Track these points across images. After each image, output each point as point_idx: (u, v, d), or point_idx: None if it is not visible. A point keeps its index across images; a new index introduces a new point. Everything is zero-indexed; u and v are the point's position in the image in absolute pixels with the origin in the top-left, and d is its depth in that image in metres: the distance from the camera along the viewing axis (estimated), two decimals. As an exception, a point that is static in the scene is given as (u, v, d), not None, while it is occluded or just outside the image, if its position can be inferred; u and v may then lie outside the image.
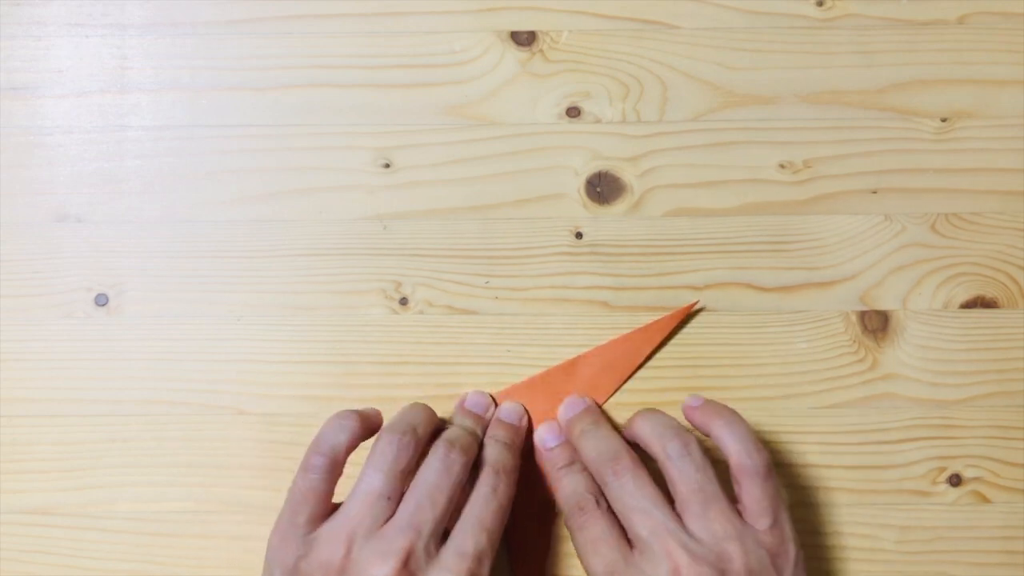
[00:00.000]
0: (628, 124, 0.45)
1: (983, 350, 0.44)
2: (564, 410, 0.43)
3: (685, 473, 0.38)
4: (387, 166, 0.45)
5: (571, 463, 0.41)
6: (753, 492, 0.38)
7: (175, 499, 0.43)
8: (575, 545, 0.39)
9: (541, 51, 0.46)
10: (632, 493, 0.38)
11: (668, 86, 0.45)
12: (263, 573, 0.38)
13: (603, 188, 0.45)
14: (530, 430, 0.43)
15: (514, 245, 0.45)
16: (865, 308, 0.44)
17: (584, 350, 0.44)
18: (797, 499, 0.43)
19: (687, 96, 0.45)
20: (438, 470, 0.38)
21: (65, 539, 0.43)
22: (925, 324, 0.44)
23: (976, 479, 0.44)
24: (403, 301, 0.44)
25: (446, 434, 0.40)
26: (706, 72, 0.45)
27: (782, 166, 0.45)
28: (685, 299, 0.44)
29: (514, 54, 0.46)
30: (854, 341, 0.44)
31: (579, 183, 0.45)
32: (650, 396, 0.44)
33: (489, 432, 0.42)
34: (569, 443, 0.42)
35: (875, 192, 0.45)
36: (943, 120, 0.45)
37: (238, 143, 0.45)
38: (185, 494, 0.43)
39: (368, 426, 0.40)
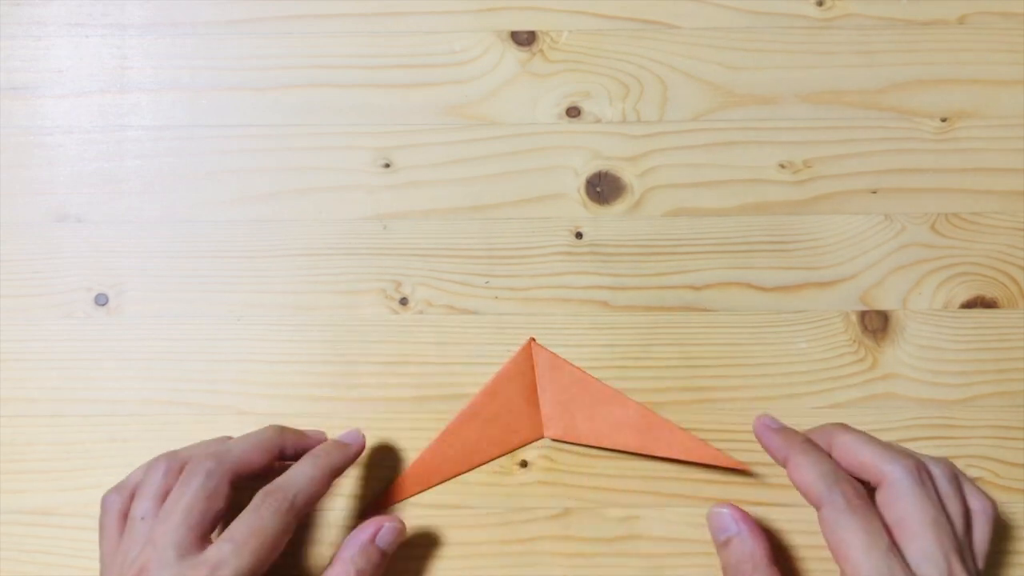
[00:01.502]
0: (628, 124, 0.45)
1: (983, 350, 0.44)
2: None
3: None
4: (387, 166, 0.45)
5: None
6: None
7: (175, 499, 0.43)
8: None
9: (541, 51, 0.46)
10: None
11: (668, 86, 0.45)
12: None
13: (603, 188, 0.45)
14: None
15: (514, 245, 0.45)
16: (865, 308, 0.44)
17: (584, 350, 0.44)
18: (798, 499, 0.43)
19: (687, 96, 0.45)
20: (178, 488, 0.38)
21: (65, 539, 0.43)
22: (925, 324, 0.44)
23: (976, 479, 0.43)
24: (403, 301, 0.44)
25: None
26: (706, 72, 0.45)
27: (782, 166, 0.45)
28: (685, 299, 0.44)
29: (514, 54, 0.46)
30: (854, 341, 0.44)
31: (579, 183, 0.45)
32: (650, 396, 0.44)
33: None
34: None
35: (875, 192, 0.45)
36: (943, 120, 0.45)
37: (238, 143, 0.45)
38: (185, 494, 0.43)
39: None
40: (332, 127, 0.45)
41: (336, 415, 0.43)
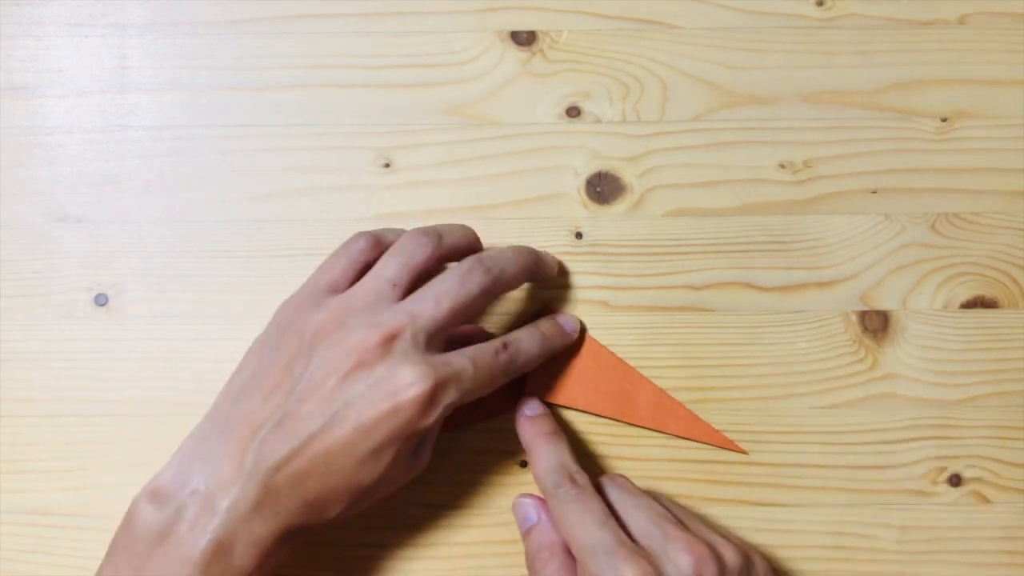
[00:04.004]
0: (628, 124, 0.45)
1: (983, 350, 0.44)
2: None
3: None
4: (387, 166, 0.45)
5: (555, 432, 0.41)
6: None
7: (175, 499, 0.43)
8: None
9: (541, 51, 0.46)
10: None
11: (668, 86, 0.45)
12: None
13: (603, 188, 0.45)
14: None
15: (514, 245, 0.45)
16: (865, 308, 0.44)
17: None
18: (797, 499, 0.43)
19: (687, 96, 0.45)
20: (451, 280, 0.38)
21: (65, 539, 0.43)
22: (925, 324, 0.44)
23: (976, 479, 0.44)
24: (403, 301, 0.44)
25: (481, 253, 0.40)
26: (706, 72, 0.45)
27: (782, 166, 0.45)
28: (685, 299, 0.44)
29: (514, 54, 0.46)
30: (854, 341, 0.44)
31: (579, 183, 0.45)
32: (650, 396, 0.44)
33: None
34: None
35: (875, 192, 0.45)
36: (943, 120, 0.45)
37: (238, 143, 0.45)
38: (185, 494, 0.43)
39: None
40: (332, 127, 0.45)
41: (336, 415, 0.43)
